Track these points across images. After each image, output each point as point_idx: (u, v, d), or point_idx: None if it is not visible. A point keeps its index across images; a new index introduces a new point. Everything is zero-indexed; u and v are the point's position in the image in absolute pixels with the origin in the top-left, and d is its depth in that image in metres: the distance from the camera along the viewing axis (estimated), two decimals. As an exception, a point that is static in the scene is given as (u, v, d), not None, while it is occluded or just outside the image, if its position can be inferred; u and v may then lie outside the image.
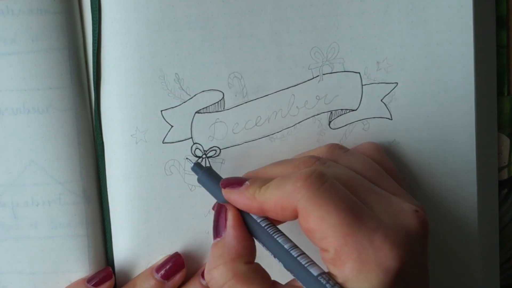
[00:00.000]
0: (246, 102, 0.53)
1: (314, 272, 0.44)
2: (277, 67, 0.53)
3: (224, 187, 0.48)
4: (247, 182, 0.47)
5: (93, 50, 0.53)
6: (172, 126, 0.53)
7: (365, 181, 0.47)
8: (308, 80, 0.54)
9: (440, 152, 0.55)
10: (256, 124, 0.54)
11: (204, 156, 0.54)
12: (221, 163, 0.54)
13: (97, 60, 0.53)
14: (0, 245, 0.54)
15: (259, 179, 0.47)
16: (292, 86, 0.54)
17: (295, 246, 0.46)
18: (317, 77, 0.54)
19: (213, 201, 0.53)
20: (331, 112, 0.54)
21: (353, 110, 0.54)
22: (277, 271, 0.47)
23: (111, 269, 0.54)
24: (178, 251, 0.54)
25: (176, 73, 0.53)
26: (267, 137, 0.54)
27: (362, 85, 0.54)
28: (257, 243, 0.48)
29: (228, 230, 0.47)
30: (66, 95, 0.52)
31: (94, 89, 0.53)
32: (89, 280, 0.53)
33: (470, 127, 0.55)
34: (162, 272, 0.53)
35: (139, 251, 0.54)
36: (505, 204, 0.59)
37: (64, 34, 0.52)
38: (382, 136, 0.55)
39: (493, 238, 0.58)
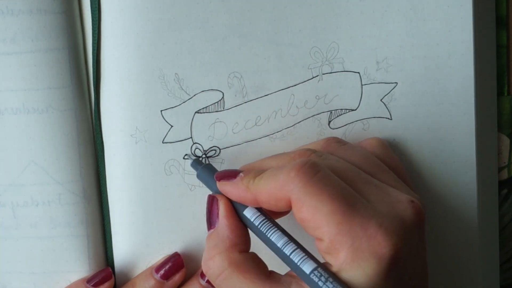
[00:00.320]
0: (245, 102, 0.53)
1: (307, 269, 0.44)
2: (276, 67, 0.53)
3: (219, 180, 0.48)
4: (241, 174, 0.48)
5: (93, 50, 0.53)
6: (172, 126, 0.53)
7: (361, 173, 0.47)
8: (308, 80, 0.54)
9: (440, 152, 0.55)
10: (256, 124, 0.54)
11: (204, 156, 0.54)
12: (221, 163, 0.54)
13: (97, 60, 0.53)
14: (0, 245, 0.54)
15: (253, 171, 0.47)
16: (291, 86, 0.54)
17: (288, 242, 0.46)
18: (316, 77, 0.54)
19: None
20: (331, 112, 0.54)
21: (353, 110, 0.54)
22: (276, 261, 0.47)
23: (110, 270, 0.54)
24: (177, 251, 0.54)
25: (176, 73, 0.53)
26: (267, 137, 0.54)
27: (361, 85, 0.54)
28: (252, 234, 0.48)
29: (221, 220, 0.47)
30: (66, 95, 0.52)
31: (94, 89, 0.53)
32: (88, 280, 0.53)
33: (470, 127, 0.55)
34: (162, 272, 0.53)
35: (138, 251, 0.54)
36: (505, 204, 0.59)
37: (64, 34, 0.52)
38: (381, 136, 0.54)
39: (493, 238, 0.58)
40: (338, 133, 0.54)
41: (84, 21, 0.53)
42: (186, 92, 0.53)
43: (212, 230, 0.48)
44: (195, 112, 0.53)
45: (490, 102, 0.57)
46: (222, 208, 0.48)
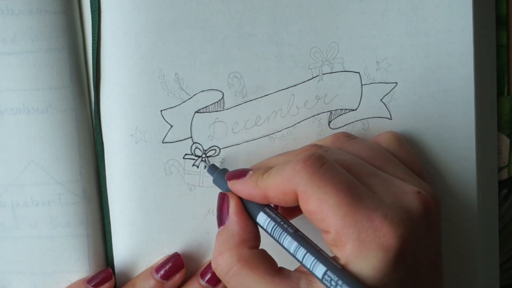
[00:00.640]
0: (245, 102, 0.53)
1: (319, 273, 0.44)
2: (276, 67, 0.53)
3: (229, 179, 0.49)
4: (250, 172, 0.48)
5: (93, 50, 0.53)
6: (171, 126, 0.53)
7: (368, 166, 0.47)
8: (308, 80, 0.54)
9: (440, 152, 0.55)
10: (255, 124, 0.54)
11: (204, 155, 0.54)
12: (221, 162, 0.54)
13: (97, 60, 0.53)
14: (0, 245, 0.54)
15: (261, 168, 0.48)
16: (291, 86, 0.54)
17: (298, 247, 0.46)
18: (316, 77, 0.54)
19: (213, 202, 0.53)
20: (331, 112, 0.54)
21: (353, 110, 0.54)
22: (285, 258, 0.47)
23: (111, 270, 0.54)
24: (177, 251, 0.54)
25: (175, 73, 0.53)
26: (267, 136, 0.54)
27: (361, 85, 0.54)
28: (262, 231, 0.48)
29: (231, 216, 0.48)
30: (66, 95, 0.52)
31: (94, 89, 0.53)
32: (89, 280, 0.53)
33: (470, 127, 0.55)
34: (162, 272, 0.53)
35: (138, 251, 0.54)
36: (505, 204, 0.59)
37: (64, 34, 0.52)
38: (381, 136, 0.55)
39: (493, 238, 0.58)
40: (338, 133, 0.54)
41: (84, 21, 0.53)
42: (186, 92, 0.53)
43: (222, 227, 0.48)
44: (195, 112, 0.53)
45: (490, 102, 0.57)
46: (232, 205, 0.48)
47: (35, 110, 0.52)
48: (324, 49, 0.54)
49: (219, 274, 0.47)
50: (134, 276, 0.54)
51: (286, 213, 0.49)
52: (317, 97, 0.54)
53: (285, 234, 0.46)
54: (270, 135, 0.54)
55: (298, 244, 0.46)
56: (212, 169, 0.52)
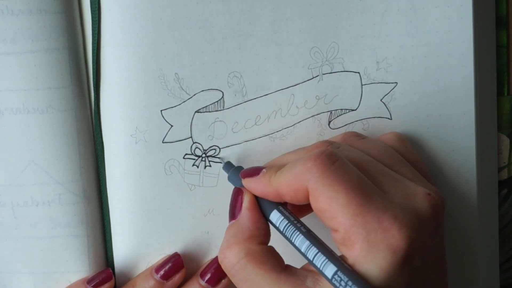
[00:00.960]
0: (245, 102, 0.53)
1: (329, 273, 0.44)
2: (276, 67, 0.53)
3: (244, 177, 0.49)
4: (263, 170, 0.48)
5: (93, 50, 0.53)
6: (171, 126, 0.53)
7: (379, 165, 0.47)
8: (308, 80, 0.54)
9: (440, 152, 0.55)
10: (255, 124, 0.54)
11: (204, 155, 0.54)
12: (221, 162, 0.54)
13: (97, 60, 0.53)
14: (0, 245, 0.54)
15: (275, 166, 0.48)
16: (291, 86, 0.54)
17: (310, 246, 0.45)
18: (316, 77, 0.54)
19: (213, 201, 0.54)
20: (331, 112, 0.54)
21: (353, 110, 0.54)
22: (292, 256, 0.47)
23: (111, 270, 0.54)
24: (177, 251, 0.54)
25: (175, 73, 0.53)
26: (267, 136, 0.54)
27: (361, 85, 0.54)
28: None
29: (243, 211, 0.48)
30: (66, 95, 0.52)
31: (94, 89, 0.53)
32: (89, 281, 0.53)
33: (470, 127, 0.55)
34: (162, 272, 0.53)
35: (138, 251, 0.54)
36: (505, 204, 0.59)
37: (64, 34, 0.52)
38: (381, 136, 0.55)
39: (493, 238, 0.58)
40: (338, 133, 0.54)
41: (84, 21, 0.53)
42: (186, 92, 0.53)
43: (233, 221, 0.48)
44: (195, 112, 0.53)
45: (490, 102, 0.57)
46: (246, 200, 0.48)
47: (35, 110, 0.52)
48: (324, 49, 0.54)
49: (225, 267, 0.47)
50: (134, 276, 0.54)
51: (296, 211, 0.49)
52: (317, 97, 0.54)
53: (298, 233, 0.46)
54: (270, 135, 0.54)
55: (310, 243, 0.46)
56: (228, 166, 0.52)
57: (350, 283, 0.43)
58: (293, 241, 0.46)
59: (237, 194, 0.49)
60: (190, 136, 0.53)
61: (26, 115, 0.52)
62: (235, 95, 0.53)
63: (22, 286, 0.54)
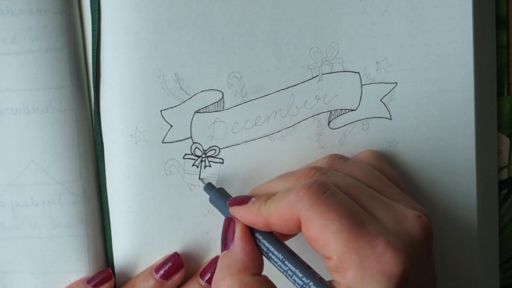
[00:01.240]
0: (245, 102, 0.53)
1: None
2: (276, 67, 0.53)
3: (231, 206, 0.49)
4: (252, 199, 0.48)
5: (93, 50, 0.53)
6: (171, 126, 0.53)
7: (367, 188, 0.47)
8: (308, 80, 0.54)
9: (439, 152, 0.55)
10: (255, 124, 0.54)
11: (203, 155, 0.54)
12: (221, 162, 0.54)
13: (97, 60, 0.53)
14: (0, 245, 0.54)
15: (264, 195, 0.48)
16: (291, 86, 0.54)
17: (296, 271, 0.46)
18: (316, 77, 0.54)
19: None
20: (331, 112, 0.54)
21: (353, 110, 0.54)
22: (285, 283, 0.47)
23: (110, 270, 0.54)
24: (177, 251, 0.54)
25: (175, 73, 0.53)
26: (267, 136, 0.54)
27: (361, 85, 0.54)
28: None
29: (236, 242, 0.48)
30: (65, 95, 0.52)
31: (94, 89, 0.53)
32: (89, 280, 0.53)
33: (470, 127, 0.55)
34: (162, 272, 0.53)
35: (138, 251, 0.54)
36: (505, 204, 0.59)
37: (64, 34, 0.52)
38: (381, 136, 0.55)
39: (493, 238, 0.58)
40: (337, 133, 0.54)
41: (84, 21, 0.53)
42: (186, 92, 0.53)
43: (226, 252, 0.48)
44: (195, 112, 0.53)
45: (490, 102, 0.57)
46: (238, 231, 0.48)
47: (35, 110, 0.52)
48: (324, 49, 0.54)
49: None
50: (134, 276, 0.54)
51: (281, 236, 0.49)
52: (317, 97, 0.54)
53: (285, 260, 0.47)
54: (270, 135, 0.54)
55: (299, 268, 0.46)
56: (209, 187, 0.52)
57: None
58: (282, 271, 0.46)
59: (229, 223, 0.49)
60: (190, 136, 0.53)
61: (26, 115, 0.52)
62: (235, 95, 0.53)
63: (22, 286, 0.54)
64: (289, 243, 0.49)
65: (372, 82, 0.54)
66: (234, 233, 0.48)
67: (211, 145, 0.54)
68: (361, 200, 0.46)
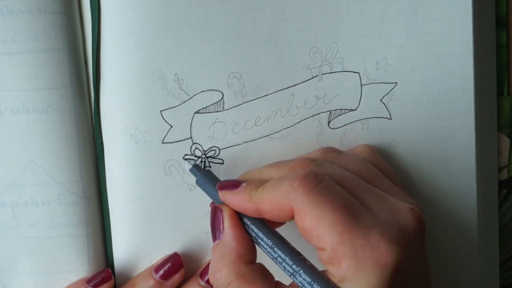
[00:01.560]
0: (245, 102, 0.53)
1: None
2: (276, 67, 0.53)
3: (221, 190, 0.49)
4: (243, 184, 0.48)
5: (93, 50, 0.53)
6: (171, 126, 0.53)
7: (360, 181, 0.47)
8: (307, 80, 0.54)
9: (439, 152, 0.55)
10: (255, 124, 0.54)
11: (203, 156, 0.54)
12: (221, 163, 0.54)
13: (97, 60, 0.53)
14: (0, 244, 0.54)
15: (255, 181, 0.48)
16: (291, 86, 0.54)
17: (286, 259, 0.46)
18: (316, 77, 0.54)
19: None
20: (331, 112, 0.54)
21: (353, 110, 0.54)
22: (281, 272, 0.47)
23: (110, 270, 0.54)
24: (177, 251, 0.54)
25: (175, 73, 0.53)
26: (267, 137, 0.54)
27: (361, 85, 0.54)
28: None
29: (226, 231, 0.47)
30: (65, 95, 0.52)
31: (94, 89, 0.53)
32: (88, 280, 0.53)
33: (470, 127, 0.55)
34: (161, 272, 0.53)
35: (138, 251, 0.54)
36: (505, 204, 0.59)
37: (64, 34, 0.52)
38: (381, 136, 0.55)
39: (493, 238, 0.58)
40: (337, 133, 0.54)
41: (84, 21, 0.53)
42: (185, 92, 0.53)
43: (217, 241, 0.48)
44: (195, 112, 0.53)
45: (490, 102, 0.57)
46: (227, 219, 0.48)
47: (35, 110, 0.52)
48: (323, 49, 0.54)
49: None
50: (133, 276, 0.54)
51: (270, 223, 0.49)
52: (317, 97, 0.54)
53: (277, 246, 0.46)
54: (270, 135, 0.54)
55: (290, 254, 0.46)
56: (196, 169, 0.52)
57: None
58: (273, 258, 0.46)
59: (215, 212, 0.48)
60: (190, 136, 0.53)
61: (26, 115, 0.52)
62: (235, 95, 0.53)
63: (22, 286, 0.54)
64: (281, 230, 0.49)
65: (372, 82, 0.54)
66: (223, 222, 0.48)
67: (211, 146, 0.54)
68: (355, 192, 0.46)
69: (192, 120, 0.53)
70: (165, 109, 0.53)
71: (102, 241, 0.55)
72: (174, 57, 0.52)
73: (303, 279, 0.44)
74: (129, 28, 0.52)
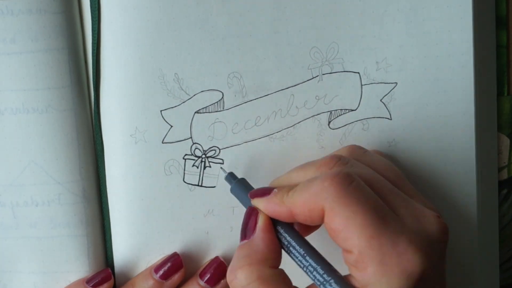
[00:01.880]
0: (245, 102, 0.53)
1: None
2: (276, 67, 0.53)
3: (253, 197, 0.49)
4: (275, 190, 0.47)
5: (93, 50, 0.53)
6: (171, 126, 0.53)
7: (388, 183, 0.47)
8: (308, 80, 0.54)
9: (439, 152, 0.55)
10: (255, 124, 0.54)
11: (203, 156, 0.54)
12: (221, 163, 0.54)
13: (97, 60, 0.53)
14: (0, 244, 0.54)
15: (286, 186, 0.47)
16: (291, 86, 0.54)
17: (317, 268, 0.45)
18: (316, 77, 0.54)
19: (213, 202, 0.53)
20: (331, 112, 0.54)
21: (353, 110, 0.54)
22: (299, 278, 0.46)
23: (110, 270, 0.54)
24: (177, 251, 0.54)
25: (175, 73, 0.53)
26: (267, 137, 0.54)
27: (361, 85, 0.54)
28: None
29: (258, 232, 0.47)
30: (65, 95, 0.52)
31: (94, 89, 0.53)
32: (88, 280, 0.53)
33: (470, 127, 0.55)
34: (161, 272, 0.53)
35: (138, 251, 0.54)
36: (505, 204, 0.59)
37: (64, 34, 0.52)
38: (381, 136, 0.55)
39: (493, 238, 0.58)
40: (337, 134, 0.54)
41: (84, 21, 0.53)
42: (185, 92, 0.53)
43: (245, 241, 0.48)
44: (195, 112, 0.53)
45: (490, 102, 0.57)
46: (261, 221, 0.48)
47: (35, 110, 0.52)
48: (324, 49, 0.54)
49: (233, 287, 0.47)
50: (133, 276, 0.54)
51: (302, 231, 0.49)
52: (317, 97, 0.54)
53: (307, 256, 0.46)
54: (270, 136, 0.54)
55: (318, 264, 0.46)
56: (230, 177, 0.52)
57: None
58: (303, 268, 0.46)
59: (251, 213, 0.48)
60: (190, 136, 0.53)
61: (26, 115, 0.52)
62: (235, 95, 0.53)
63: (22, 286, 0.54)
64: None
65: (372, 82, 0.54)
66: (256, 223, 0.48)
67: (211, 146, 0.54)
68: (382, 194, 0.46)
69: (192, 120, 0.53)
70: (165, 109, 0.53)
71: (102, 241, 0.55)
72: (174, 57, 0.52)
73: None
74: (129, 28, 0.52)
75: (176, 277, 0.53)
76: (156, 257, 0.54)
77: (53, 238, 0.53)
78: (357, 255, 0.43)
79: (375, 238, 0.43)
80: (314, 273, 0.45)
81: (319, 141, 0.54)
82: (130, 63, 0.52)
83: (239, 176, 0.52)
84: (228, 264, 0.48)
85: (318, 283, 0.45)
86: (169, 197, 0.54)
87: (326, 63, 0.54)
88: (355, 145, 0.53)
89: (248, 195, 0.49)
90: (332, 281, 0.44)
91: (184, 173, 0.54)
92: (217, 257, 0.54)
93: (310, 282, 0.46)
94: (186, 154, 0.53)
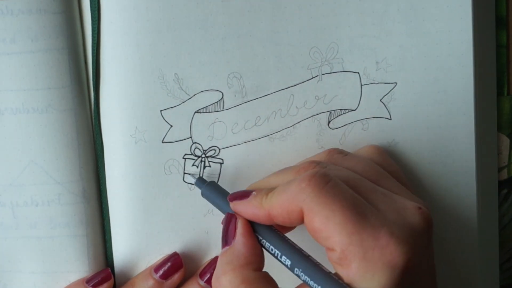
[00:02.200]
0: (245, 102, 0.53)
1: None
2: (276, 67, 0.53)
3: (232, 200, 0.49)
4: (253, 193, 0.48)
5: (93, 50, 0.53)
6: (171, 126, 0.53)
7: (366, 181, 0.47)
8: (307, 80, 0.54)
9: (439, 152, 0.55)
10: (255, 124, 0.54)
11: (203, 155, 0.54)
12: (221, 163, 0.54)
13: (97, 60, 0.53)
14: (0, 244, 0.54)
15: (264, 189, 0.48)
16: (291, 86, 0.54)
17: (300, 264, 0.46)
18: (316, 77, 0.54)
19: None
20: (330, 112, 0.54)
21: (352, 110, 0.54)
22: (285, 280, 0.47)
23: (110, 270, 0.54)
24: (177, 251, 0.54)
25: (175, 73, 0.53)
26: (267, 137, 0.54)
27: (361, 85, 0.54)
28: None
29: (238, 237, 0.47)
30: (65, 95, 0.52)
31: (94, 89, 0.53)
32: (88, 280, 0.53)
33: (470, 127, 0.55)
34: (161, 272, 0.53)
35: (138, 251, 0.54)
36: (505, 204, 0.59)
37: (64, 34, 0.52)
38: (381, 136, 0.55)
39: (493, 238, 0.58)
40: (337, 133, 0.54)
41: (84, 21, 0.53)
42: (185, 92, 0.53)
43: (227, 247, 0.48)
44: (195, 112, 0.53)
45: (490, 102, 0.57)
46: (240, 226, 0.48)
47: (35, 110, 0.52)
48: (323, 49, 0.54)
49: None
50: (133, 276, 0.54)
51: (280, 229, 0.49)
52: (317, 97, 0.54)
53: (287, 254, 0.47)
54: (270, 135, 0.54)
55: (301, 260, 0.46)
56: (200, 182, 0.52)
57: None
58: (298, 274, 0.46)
59: (230, 219, 0.48)
60: (189, 136, 0.53)
61: (26, 115, 0.52)
62: (235, 95, 0.53)
63: (22, 286, 0.54)
64: (291, 235, 0.49)
65: (372, 82, 0.54)
66: (235, 228, 0.48)
67: (211, 145, 0.54)
68: (362, 192, 0.46)
69: (192, 120, 0.53)
70: (165, 109, 0.53)
71: (102, 241, 0.55)
72: (174, 57, 0.52)
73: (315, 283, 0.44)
74: (129, 28, 0.52)
75: (176, 277, 0.53)
76: (156, 257, 0.54)
77: (53, 238, 0.53)
78: (339, 252, 0.43)
79: (355, 234, 0.43)
80: (299, 271, 0.45)
81: (319, 141, 0.54)
82: (130, 63, 0.52)
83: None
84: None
85: (306, 281, 0.45)
86: (169, 197, 0.54)
87: (326, 63, 0.54)
88: (334, 149, 0.53)
89: (227, 198, 0.49)
90: (316, 277, 0.44)
91: (183, 173, 0.54)
92: (217, 257, 0.54)
93: (295, 283, 0.46)
94: (186, 154, 0.53)
